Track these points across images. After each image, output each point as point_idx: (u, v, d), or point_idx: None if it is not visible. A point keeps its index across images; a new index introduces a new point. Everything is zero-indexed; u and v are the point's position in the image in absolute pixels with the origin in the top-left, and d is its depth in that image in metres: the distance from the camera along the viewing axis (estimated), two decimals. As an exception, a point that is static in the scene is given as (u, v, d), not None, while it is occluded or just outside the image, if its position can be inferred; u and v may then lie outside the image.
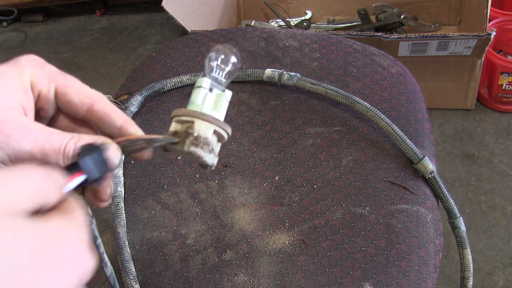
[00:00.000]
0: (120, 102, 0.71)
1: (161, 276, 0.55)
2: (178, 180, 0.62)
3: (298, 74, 0.67)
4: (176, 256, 0.56)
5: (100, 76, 1.73)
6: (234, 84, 0.71)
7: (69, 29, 1.96)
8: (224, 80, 0.37)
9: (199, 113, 0.34)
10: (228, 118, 0.68)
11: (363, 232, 0.55)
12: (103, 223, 0.60)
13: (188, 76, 0.71)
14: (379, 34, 1.20)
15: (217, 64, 0.37)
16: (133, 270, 0.55)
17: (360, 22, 1.48)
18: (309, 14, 1.57)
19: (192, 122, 0.34)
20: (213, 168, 0.36)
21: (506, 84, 1.34)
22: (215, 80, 0.37)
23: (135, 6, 2.00)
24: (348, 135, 0.64)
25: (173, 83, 0.71)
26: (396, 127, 0.61)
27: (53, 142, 0.30)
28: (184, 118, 0.34)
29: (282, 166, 0.62)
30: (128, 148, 0.33)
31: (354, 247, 0.54)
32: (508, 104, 1.39)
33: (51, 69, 0.33)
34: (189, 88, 0.72)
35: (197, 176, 0.63)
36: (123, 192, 0.61)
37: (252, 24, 1.52)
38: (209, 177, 0.63)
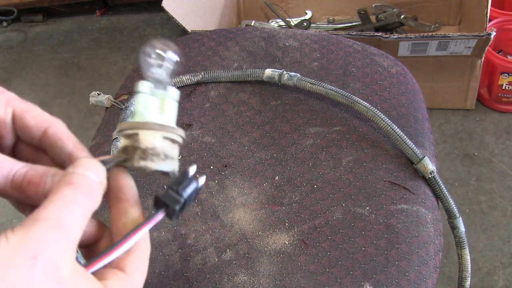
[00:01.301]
0: (120, 102, 0.71)
1: (161, 276, 0.55)
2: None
3: (298, 74, 0.67)
4: (176, 256, 0.56)
5: (100, 76, 1.73)
6: (234, 84, 0.71)
7: (69, 29, 1.96)
8: (165, 77, 0.34)
9: (142, 123, 0.32)
10: (228, 118, 0.68)
11: (363, 232, 0.55)
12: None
13: (188, 76, 0.71)
14: (379, 34, 1.20)
15: (154, 61, 0.34)
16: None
17: (360, 22, 1.48)
18: (309, 14, 1.57)
19: (137, 134, 0.32)
20: (176, 173, 0.33)
21: (506, 84, 1.34)
22: (155, 80, 0.33)
23: (135, 6, 2.00)
24: (348, 135, 0.64)
25: (173, 83, 0.71)
26: (396, 127, 0.61)
27: (2, 168, 0.29)
28: (128, 132, 0.32)
29: (282, 166, 0.63)
30: None
31: (354, 247, 0.54)
32: (508, 104, 1.39)
33: (10, 94, 0.32)
34: (189, 88, 0.72)
35: (197, 176, 0.63)
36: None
37: (252, 24, 1.52)
38: (209, 177, 0.63)
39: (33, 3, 1.94)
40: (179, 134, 0.33)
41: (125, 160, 0.32)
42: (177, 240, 0.57)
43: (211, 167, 0.64)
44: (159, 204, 0.31)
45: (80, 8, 2.00)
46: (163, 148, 0.32)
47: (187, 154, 0.65)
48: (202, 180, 0.34)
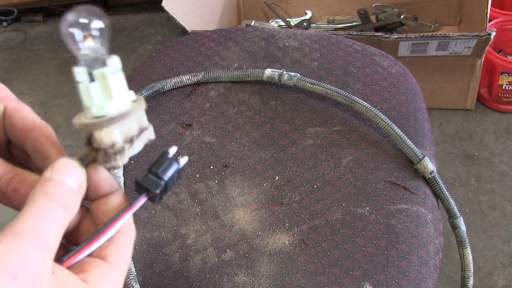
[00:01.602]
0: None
1: (161, 276, 0.55)
2: (178, 180, 0.62)
3: (298, 74, 0.67)
4: (176, 256, 0.56)
5: (100, 76, 1.72)
6: (234, 84, 0.71)
7: (69, 29, 1.96)
8: (99, 50, 0.29)
9: (91, 124, 0.28)
10: (228, 118, 0.68)
11: (363, 232, 0.55)
12: (103, 223, 0.60)
13: (188, 76, 0.71)
14: (379, 34, 1.20)
15: (78, 35, 0.28)
16: (133, 270, 0.55)
17: (360, 22, 1.48)
18: (309, 14, 1.57)
19: (92, 135, 0.29)
20: (153, 139, 0.31)
21: (506, 84, 1.34)
22: (89, 59, 0.29)
23: (135, 6, 2.00)
24: (348, 135, 0.64)
25: (173, 83, 0.71)
26: (396, 127, 0.61)
27: None
28: (84, 133, 0.29)
29: (282, 166, 0.63)
30: None
31: (354, 247, 0.54)
32: (508, 104, 1.39)
33: (7, 92, 0.32)
34: (189, 88, 0.72)
35: (197, 176, 0.63)
36: (122, 189, 0.61)
37: (252, 24, 1.52)
38: (209, 177, 0.63)
39: (33, 3, 1.94)
40: (139, 109, 0.29)
41: (94, 160, 0.30)
42: (177, 240, 0.57)
43: (211, 167, 0.64)
44: (140, 188, 0.31)
45: (80, 8, 2.00)
46: (125, 135, 0.29)
47: (187, 154, 0.65)
48: (183, 160, 0.32)
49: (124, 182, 0.62)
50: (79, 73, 0.28)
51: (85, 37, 0.28)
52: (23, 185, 0.29)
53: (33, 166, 0.33)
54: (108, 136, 0.28)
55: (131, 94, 0.30)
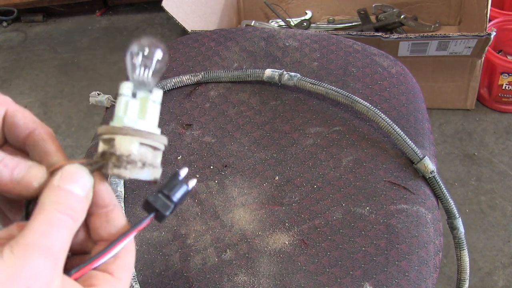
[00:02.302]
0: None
1: (161, 276, 0.55)
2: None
3: (298, 74, 0.67)
4: (176, 256, 0.56)
5: (100, 76, 1.72)
6: (234, 84, 0.71)
7: (69, 29, 1.96)
8: (150, 80, 0.32)
9: (118, 128, 0.30)
10: (228, 118, 0.68)
11: (363, 232, 0.55)
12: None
13: (188, 76, 0.71)
14: (379, 34, 1.20)
15: (139, 62, 0.31)
16: (133, 270, 0.55)
17: (360, 22, 1.48)
18: (309, 14, 1.57)
19: (113, 140, 0.30)
20: (157, 181, 0.32)
21: (506, 84, 1.34)
22: (139, 81, 0.31)
23: (135, 6, 2.00)
24: (348, 135, 0.64)
25: (173, 83, 0.71)
26: (396, 127, 0.61)
27: None
28: (105, 137, 0.30)
29: (282, 166, 0.63)
30: None
31: (354, 247, 0.54)
32: (508, 104, 1.39)
33: (5, 97, 0.33)
34: (189, 88, 0.72)
35: (197, 176, 0.63)
36: (123, 192, 0.61)
37: (252, 24, 1.52)
38: (209, 177, 0.63)
39: (33, 3, 1.94)
40: (160, 141, 0.31)
41: (101, 167, 0.30)
42: (177, 240, 0.57)
43: (211, 167, 0.64)
44: (149, 207, 0.31)
45: (80, 8, 2.00)
46: (140, 155, 0.30)
47: (187, 154, 0.65)
48: (192, 183, 0.33)
49: (124, 182, 0.62)
50: (126, 87, 0.31)
51: (145, 66, 0.31)
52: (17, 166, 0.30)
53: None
54: (128, 145, 0.30)
55: (158, 131, 0.31)
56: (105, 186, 0.31)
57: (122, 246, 0.30)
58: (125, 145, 0.30)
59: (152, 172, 0.31)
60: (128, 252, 0.31)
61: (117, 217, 0.31)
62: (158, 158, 0.32)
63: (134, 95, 0.31)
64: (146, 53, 0.31)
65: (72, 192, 0.28)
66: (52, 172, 0.30)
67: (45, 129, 0.32)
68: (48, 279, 0.25)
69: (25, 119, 0.32)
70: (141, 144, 0.30)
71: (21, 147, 0.33)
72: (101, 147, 0.31)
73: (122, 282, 0.30)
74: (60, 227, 0.27)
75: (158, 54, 0.31)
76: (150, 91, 0.31)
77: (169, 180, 0.32)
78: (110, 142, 0.30)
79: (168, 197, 0.31)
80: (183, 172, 0.33)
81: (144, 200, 0.31)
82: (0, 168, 0.29)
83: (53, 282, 0.25)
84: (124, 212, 0.59)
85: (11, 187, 0.29)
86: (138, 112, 0.30)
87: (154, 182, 0.32)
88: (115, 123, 0.30)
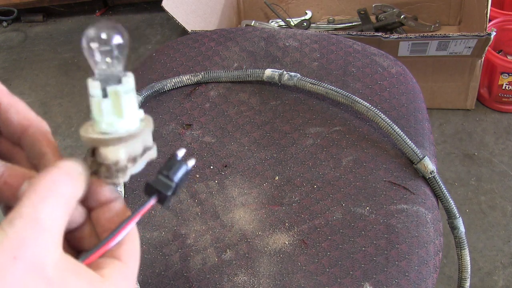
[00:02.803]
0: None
1: (161, 276, 0.55)
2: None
3: (298, 74, 0.67)
4: (176, 256, 0.56)
5: (100, 76, 1.72)
6: (234, 84, 0.71)
7: (69, 29, 1.96)
8: (116, 68, 0.29)
9: (98, 140, 0.29)
10: (228, 118, 0.68)
11: (363, 232, 0.55)
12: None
13: (188, 76, 0.71)
14: (379, 34, 1.20)
15: (96, 51, 0.29)
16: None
17: (360, 22, 1.48)
18: (309, 14, 1.57)
19: (97, 149, 0.29)
20: (155, 158, 0.32)
21: (506, 84, 1.34)
22: (105, 75, 0.29)
23: (135, 6, 2.00)
24: (348, 135, 0.64)
25: (173, 83, 0.71)
26: (396, 127, 0.61)
27: None
28: (90, 147, 0.30)
29: (282, 166, 0.63)
30: None
31: (354, 247, 0.54)
32: (508, 104, 1.39)
33: (1, 87, 0.32)
34: (189, 88, 0.72)
35: (197, 176, 0.63)
36: (123, 192, 0.61)
37: (252, 24, 1.52)
38: (209, 177, 0.63)
39: (33, 3, 1.94)
40: (145, 134, 0.30)
41: (95, 173, 0.30)
42: (177, 240, 0.57)
43: (211, 167, 0.64)
44: (150, 190, 0.31)
45: (80, 8, 2.00)
46: (129, 154, 0.29)
47: (187, 154, 0.65)
48: (191, 162, 0.33)
49: (124, 183, 0.62)
50: (93, 87, 0.29)
51: (103, 53, 0.29)
52: (14, 178, 0.29)
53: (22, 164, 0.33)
54: (113, 154, 0.29)
55: (141, 113, 0.30)
56: (101, 184, 0.31)
57: (127, 231, 0.30)
58: (110, 156, 0.29)
59: (147, 156, 0.31)
60: (132, 237, 0.30)
61: (118, 206, 0.31)
62: (148, 138, 0.31)
63: (104, 91, 0.29)
64: (101, 41, 0.28)
65: (66, 165, 0.27)
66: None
67: (40, 127, 0.31)
68: (37, 250, 0.24)
69: (18, 115, 0.31)
70: (127, 147, 0.29)
71: (17, 142, 0.32)
72: (88, 158, 0.30)
73: (130, 266, 0.29)
74: (50, 195, 0.26)
75: (116, 39, 0.29)
76: (120, 81, 0.29)
77: (167, 161, 0.32)
78: (95, 150, 0.29)
79: (168, 177, 0.31)
80: (181, 153, 0.32)
81: (145, 183, 0.31)
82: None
83: (46, 254, 0.24)
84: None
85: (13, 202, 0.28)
86: (114, 112, 0.29)
87: (152, 161, 0.32)
88: (94, 129, 0.29)
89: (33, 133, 0.31)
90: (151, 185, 0.31)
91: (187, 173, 0.32)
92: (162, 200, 0.31)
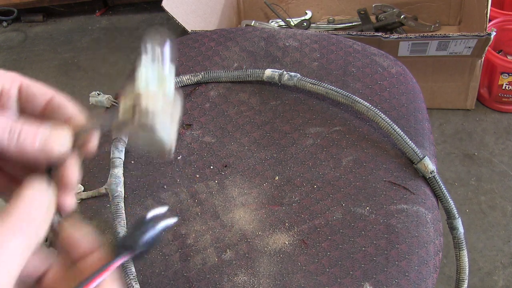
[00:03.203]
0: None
1: (161, 276, 0.55)
2: (178, 180, 0.62)
3: (298, 74, 0.67)
4: (176, 256, 0.56)
5: (100, 76, 1.72)
6: (234, 84, 0.71)
7: (69, 29, 1.96)
8: (161, 56, 0.36)
9: (144, 87, 0.33)
10: (228, 118, 0.68)
11: (363, 232, 0.55)
12: (103, 223, 0.60)
13: (188, 76, 0.71)
14: (379, 34, 1.20)
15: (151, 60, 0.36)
16: (133, 270, 0.55)
17: (360, 22, 1.48)
18: (309, 14, 1.57)
19: (139, 94, 0.33)
20: (171, 151, 0.35)
21: (506, 84, 1.34)
22: (152, 57, 0.36)
23: (135, 6, 2.00)
24: (348, 135, 0.64)
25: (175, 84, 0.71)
26: (396, 127, 0.61)
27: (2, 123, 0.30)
28: (130, 95, 0.33)
29: (282, 166, 0.63)
30: (80, 137, 0.33)
31: (354, 247, 0.54)
32: (508, 104, 1.39)
33: (16, 74, 0.34)
34: (189, 88, 0.72)
35: (197, 176, 0.63)
36: (123, 192, 0.61)
37: (252, 24, 1.52)
38: (209, 177, 0.63)
39: (33, 3, 1.94)
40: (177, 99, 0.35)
41: (124, 123, 0.32)
42: (177, 240, 0.57)
43: (211, 167, 0.64)
44: (120, 249, 0.32)
45: (80, 8, 2.00)
46: (164, 117, 0.33)
47: (187, 154, 0.65)
48: (171, 220, 0.34)
49: (124, 182, 0.62)
50: (143, 59, 0.35)
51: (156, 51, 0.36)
52: (34, 130, 0.31)
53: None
54: (155, 101, 0.33)
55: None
56: (80, 232, 0.32)
57: (95, 284, 0.30)
58: (151, 101, 0.33)
59: (169, 137, 0.34)
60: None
61: (96, 256, 0.32)
62: (175, 127, 0.36)
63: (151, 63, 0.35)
64: (158, 52, 0.36)
65: (29, 204, 0.29)
66: (76, 134, 0.32)
67: (63, 97, 0.34)
68: None
69: (41, 89, 0.34)
70: (163, 105, 0.34)
71: (39, 117, 0.34)
72: (122, 105, 0.33)
73: None
74: (10, 240, 0.27)
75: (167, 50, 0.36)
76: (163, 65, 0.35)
77: (140, 222, 0.33)
78: (136, 97, 0.33)
79: (135, 240, 0.32)
80: (151, 213, 0.34)
81: (114, 242, 0.33)
82: (22, 137, 0.30)
83: None
84: (124, 211, 0.59)
85: (36, 155, 0.30)
86: (157, 80, 0.34)
87: (169, 152, 0.35)
88: (139, 84, 0.33)
89: (58, 101, 0.34)
90: (120, 244, 0.32)
91: (164, 230, 0.34)
92: (134, 258, 0.33)
